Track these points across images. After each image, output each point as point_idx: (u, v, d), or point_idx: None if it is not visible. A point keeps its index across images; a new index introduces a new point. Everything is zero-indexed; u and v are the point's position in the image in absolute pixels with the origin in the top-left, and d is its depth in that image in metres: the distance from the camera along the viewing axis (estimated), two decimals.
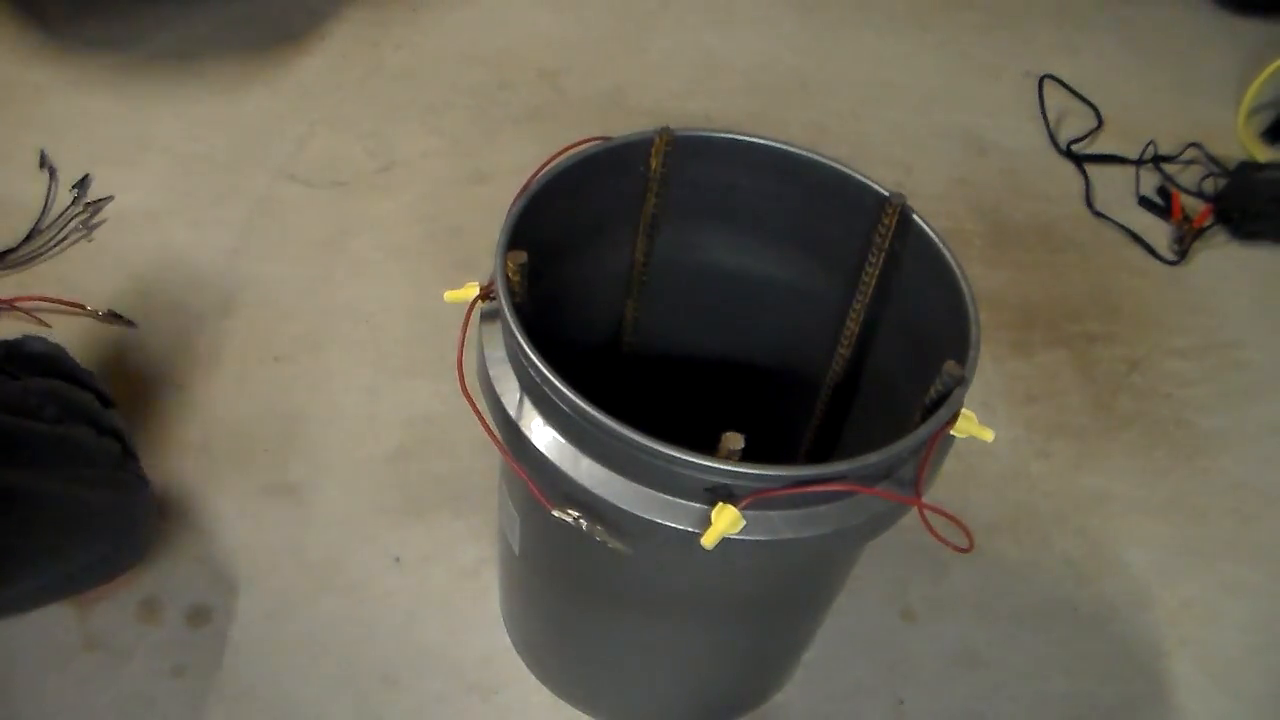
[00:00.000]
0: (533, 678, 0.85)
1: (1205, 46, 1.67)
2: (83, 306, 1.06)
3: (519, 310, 0.56)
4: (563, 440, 0.56)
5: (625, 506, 0.54)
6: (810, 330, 0.76)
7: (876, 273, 0.68)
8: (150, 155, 1.26)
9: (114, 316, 1.06)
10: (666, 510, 0.53)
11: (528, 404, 0.57)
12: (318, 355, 1.06)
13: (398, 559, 0.92)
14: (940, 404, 0.55)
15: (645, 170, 0.69)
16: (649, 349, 0.83)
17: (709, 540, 0.51)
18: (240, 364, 1.05)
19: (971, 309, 0.58)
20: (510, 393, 0.58)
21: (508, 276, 0.57)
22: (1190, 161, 1.44)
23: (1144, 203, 1.38)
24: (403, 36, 1.48)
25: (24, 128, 1.26)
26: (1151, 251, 1.31)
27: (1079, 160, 1.42)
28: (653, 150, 0.67)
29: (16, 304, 1.05)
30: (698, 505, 0.53)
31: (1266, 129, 1.50)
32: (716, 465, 0.50)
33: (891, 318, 0.70)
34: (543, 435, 0.56)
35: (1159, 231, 1.34)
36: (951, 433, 0.56)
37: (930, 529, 0.54)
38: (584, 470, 0.55)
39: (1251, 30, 1.70)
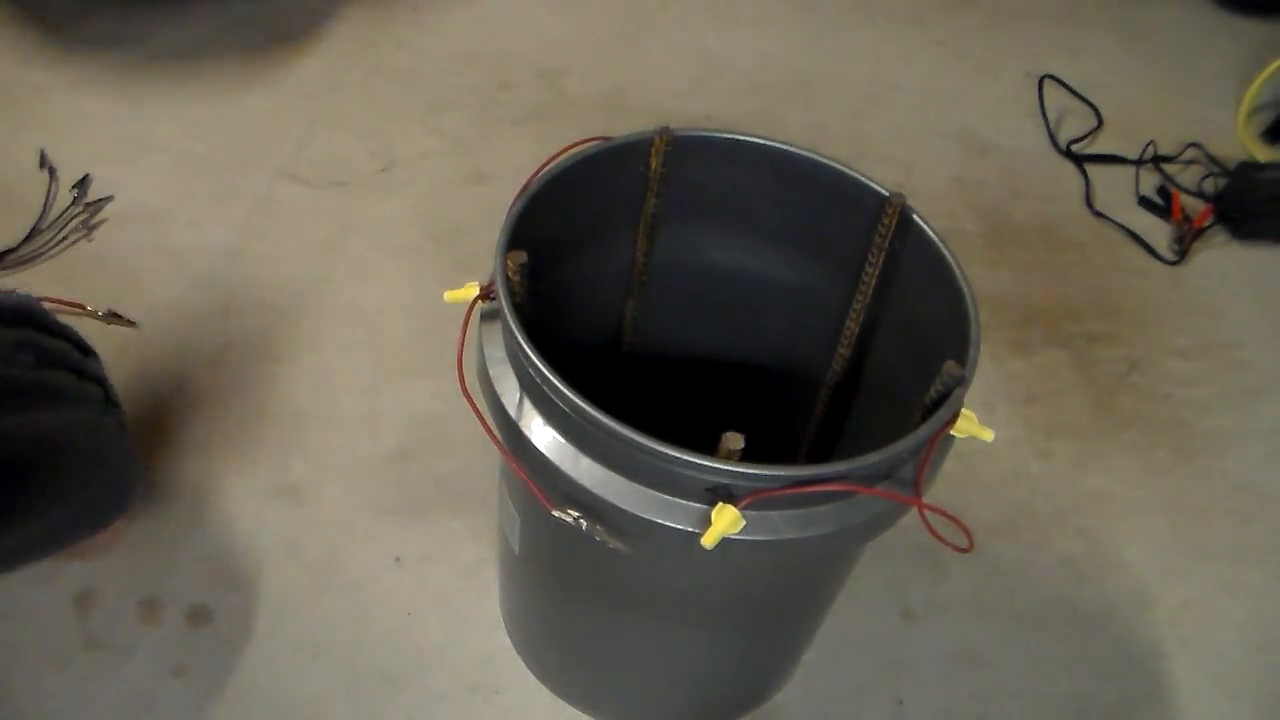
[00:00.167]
0: (533, 678, 0.85)
1: (1205, 46, 1.67)
2: (83, 306, 1.06)
3: (519, 310, 0.56)
4: (563, 440, 0.56)
5: (625, 506, 0.54)
6: (810, 330, 0.76)
7: (876, 273, 0.68)
8: (150, 155, 1.26)
9: (114, 316, 1.06)
10: (666, 510, 0.53)
11: (528, 404, 0.57)
12: (318, 355, 1.06)
13: (398, 559, 0.92)
14: (940, 404, 0.55)
15: (645, 170, 0.69)
16: (649, 349, 0.82)
17: (709, 540, 0.51)
18: (240, 364, 1.05)
19: (971, 309, 0.58)
20: (510, 393, 0.58)
21: (508, 276, 0.57)
22: (1190, 161, 1.44)
23: (1144, 203, 1.38)
24: (403, 36, 1.48)
25: (24, 128, 1.26)
26: (1151, 251, 1.31)
27: (1079, 160, 1.42)
28: (653, 150, 0.67)
29: None
30: (698, 505, 0.53)
31: (1266, 129, 1.50)
32: (716, 465, 0.50)
33: (891, 318, 0.70)
34: (543, 435, 0.56)
35: (1159, 231, 1.34)
36: (951, 433, 0.56)
37: (930, 529, 0.54)
38: (584, 470, 0.55)
39: (1251, 30, 1.71)
